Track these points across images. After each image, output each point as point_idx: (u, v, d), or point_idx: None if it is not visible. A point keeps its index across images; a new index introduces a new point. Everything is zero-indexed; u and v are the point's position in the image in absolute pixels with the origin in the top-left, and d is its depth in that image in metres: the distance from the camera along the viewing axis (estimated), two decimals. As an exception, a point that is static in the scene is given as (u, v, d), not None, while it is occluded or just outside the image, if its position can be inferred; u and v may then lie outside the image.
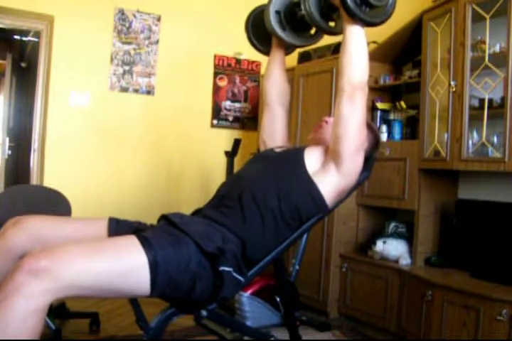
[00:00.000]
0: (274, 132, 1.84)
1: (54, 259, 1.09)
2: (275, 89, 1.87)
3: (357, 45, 1.46)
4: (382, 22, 1.48)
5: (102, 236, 1.45)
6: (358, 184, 1.66)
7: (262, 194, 1.47)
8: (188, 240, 1.30)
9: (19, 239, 1.35)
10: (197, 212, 1.59)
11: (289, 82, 1.93)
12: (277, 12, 1.74)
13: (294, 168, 1.53)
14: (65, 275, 1.09)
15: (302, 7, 1.56)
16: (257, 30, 1.88)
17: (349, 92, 1.46)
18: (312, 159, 1.55)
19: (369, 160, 1.68)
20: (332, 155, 1.51)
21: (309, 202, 1.49)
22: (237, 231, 1.41)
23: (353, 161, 1.50)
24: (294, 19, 1.75)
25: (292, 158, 1.58)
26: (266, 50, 1.93)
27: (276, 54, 1.88)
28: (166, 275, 1.21)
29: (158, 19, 3.58)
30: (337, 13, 1.55)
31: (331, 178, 1.50)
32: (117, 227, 1.47)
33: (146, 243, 1.22)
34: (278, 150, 1.73)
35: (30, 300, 1.04)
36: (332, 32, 1.65)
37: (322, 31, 1.67)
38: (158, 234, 1.32)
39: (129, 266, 1.18)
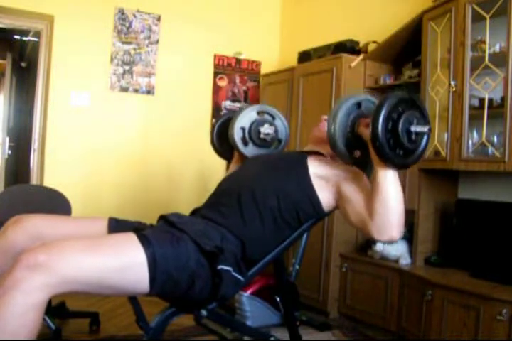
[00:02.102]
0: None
1: (52, 254, 1.09)
2: None
3: (395, 194, 1.36)
4: (413, 162, 1.41)
5: (101, 235, 1.45)
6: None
7: (261, 193, 1.47)
8: (187, 238, 1.30)
9: (20, 238, 1.36)
10: (195, 212, 1.60)
11: None
12: (242, 128, 1.82)
13: (296, 173, 1.52)
14: (62, 270, 1.09)
15: (327, 133, 1.45)
16: (222, 137, 1.95)
17: (375, 236, 1.38)
18: (317, 174, 1.51)
19: (367, 161, 1.68)
20: (339, 206, 1.49)
21: (308, 205, 1.49)
22: (236, 231, 1.41)
23: None
24: (257, 136, 1.82)
25: (295, 163, 1.56)
26: (228, 156, 1.99)
27: (238, 164, 1.93)
28: (165, 273, 1.22)
29: (158, 19, 3.58)
30: (362, 144, 1.42)
31: (330, 196, 1.50)
32: (117, 227, 1.47)
33: (144, 240, 1.22)
34: (278, 152, 1.74)
35: (29, 295, 1.04)
36: (354, 162, 1.54)
37: (344, 161, 1.54)
38: (157, 233, 1.32)
39: (127, 263, 1.19)
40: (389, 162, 1.33)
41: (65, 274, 1.09)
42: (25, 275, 1.05)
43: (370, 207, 1.37)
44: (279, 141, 1.90)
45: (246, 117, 1.83)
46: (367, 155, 1.42)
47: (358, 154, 1.49)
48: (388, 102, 1.29)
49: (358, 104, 1.48)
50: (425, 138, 1.39)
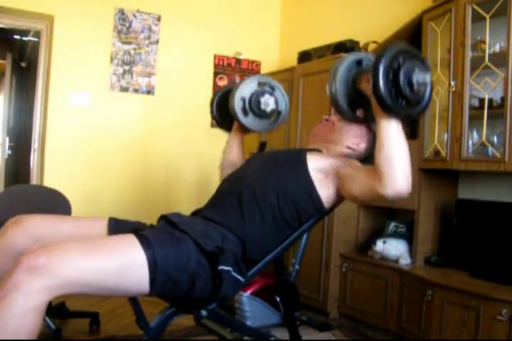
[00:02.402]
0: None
1: (53, 257, 1.09)
2: (230, 167, 1.91)
3: (398, 145, 1.31)
4: (418, 113, 1.38)
5: (101, 235, 1.45)
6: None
7: (262, 192, 1.48)
8: (187, 239, 1.30)
9: (20, 238, 1.36)
10: (196, 213, 1.60)
11: (242, 158, 1.97)
12: (242, 99, 1.81)
13: (295, 170, 1.52)
14: (63, 273, 1.09)
15: (328, 92, 1.44)
16: (222, 108, 1.95)
17: (382, 195, 1.32)
18: (316, 168, 1.51)
19: (369, 159, 1.68)
20: (342, 189, 1.48)
21: (308, 202, 1.49)
22: (237, 230, 1.41)
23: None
24: (257, 106, 1.82)
25: (294, 160, 1.57)
26: (228, 127, 1.99)
27: (237, 135, 1.94)
28: (165, 274, 1.22)
29: (158, 19, 3.58)
30: (364, 102, 1.42)
31: (330, 192, 1.50)
32: (117, 227, 1.47)
33: (144, 241, 1.22)
34: (277, 150, 1.74)
35: (29, 297, 1.04)
36: (358, 120, 1.55)
37: (344, 117, 1.55)
38: (158, 233, 1.32)
39: (127, 264, 1.19)
40: (391, 112, 1.30)
41: (66, 276, 1.09)
42: (26, 278, 1.05)
43: (373, 170, 1.34)
44: (279, 113, 1.89)
45: (246, 88, 1.82)
46: (370, 113, 1.40)
47: (361, 113, 1.48)
48: (388, 53, 1.28)
49: (359, 62, 1.46)
50: (428, 88, 1.36)
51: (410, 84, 1.29)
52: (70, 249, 1.14)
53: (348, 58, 1.46)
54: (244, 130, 1.92)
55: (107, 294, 1.27)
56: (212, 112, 1.99)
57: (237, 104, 1.81)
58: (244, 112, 1.82)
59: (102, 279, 1.15)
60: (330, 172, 1.50)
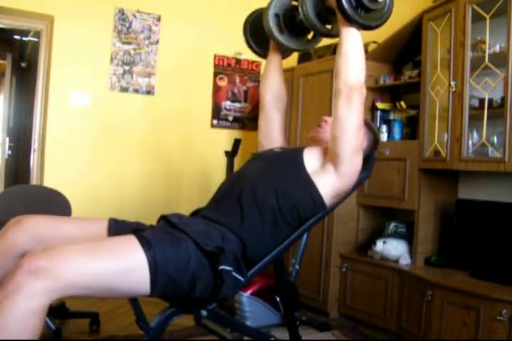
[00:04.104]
0: (270, 135, 1.87)
1: (54, 259, 1.09)
2: (270, 92, 1.88)
3: (353, 47, 1.46)
4: (377, 26, 1.48)
5: (101, 236, 1.45)
6: (358, 184, 1.66)
7: (262, 192, 1.48)
8: (188, 239, 1.30)
9: (20, 239, 1.36)
10: (196, 213, 1.60)
11: (285, 86, 1.95)
12: (276, 15, 1.75)
13: (292, 167, 1.53)
14: (64, 275, 1.09)
15: (299, 9, 1.56)
16: (256, 33, 1.89)
17: (346, 93, 1.45)
18: (311, 159, 1.55)
19: (369, 159, 1.68)
20: (330, 156, 1.51)
21: (308, 201, 1.49)
22: (236, 230, 1.42)
23: (351, 162, 1.50)
24: (292, 23, 1.76)
25: (291, 157, 1.59)
26: (263, 53, 1.94)
27: (273, 57, 1.89)
28: (166, 275, 1.22)
29: (158, 19, 3.58)
30: (334, 16, 1.53)
31: (329, 178, 1.50)
32: (117, 228, 1.47)
33: (145, 242, 1.22)
34: (277, 150, 1.74)
35: (30, 300, 1.04)
36: (329, 34, 1.65)
37: (319, 33, 1.66)
38: (158, 234, 1.32)
39: (128, 266, 1.19)
40: (351, 20, 1.42)
41: (67, 279, 1.09)
42: (27, 280, 1.05)
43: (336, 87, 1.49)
44: None
45: (279, 3, 1.76)
46: (338, 26, 1.52)
47: (331, 27, 1.63)
48: None
49: None
50: (388, 1, 1.48)
51: None
52: (71, 252, 1.14)
53: None
54: (280, 51, 1.87)
55: (107, 296, 1.27)
56: (245, 34, 1.91)
57: (271, 21, 1.73)
58: (280, 29, 1.75)
59: (103, 281, 1.15)
60: (322, 154, 1.56)
